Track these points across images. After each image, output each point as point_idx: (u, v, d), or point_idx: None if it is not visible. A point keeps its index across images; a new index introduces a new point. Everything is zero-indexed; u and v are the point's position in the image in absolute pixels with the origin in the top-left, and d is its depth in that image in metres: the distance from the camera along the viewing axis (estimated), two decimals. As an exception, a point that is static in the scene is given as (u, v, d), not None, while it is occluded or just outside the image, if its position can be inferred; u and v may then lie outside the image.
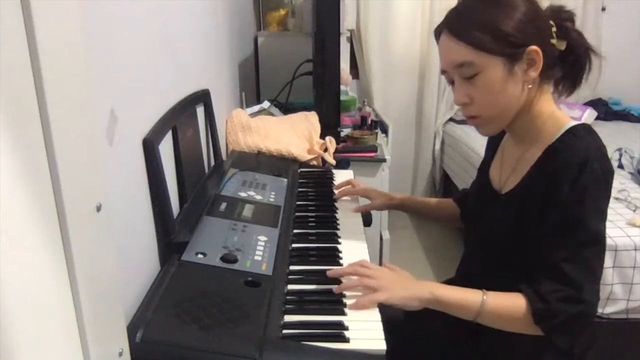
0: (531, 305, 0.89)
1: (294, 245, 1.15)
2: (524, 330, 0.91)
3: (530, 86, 0.95)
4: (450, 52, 0.95)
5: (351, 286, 0.95)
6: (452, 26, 0.95)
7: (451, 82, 1.00)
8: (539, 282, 0.90)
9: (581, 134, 0.93)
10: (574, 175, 0.88)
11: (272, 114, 2.03)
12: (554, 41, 0.94)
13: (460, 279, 1.22)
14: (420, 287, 0.95)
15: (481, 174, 1.17)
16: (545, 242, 0.91)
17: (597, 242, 0.90)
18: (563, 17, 0.96)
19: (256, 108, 2.08)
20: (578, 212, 0.89)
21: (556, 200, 0.90)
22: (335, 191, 1.47)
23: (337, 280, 0.99)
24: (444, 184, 3.39)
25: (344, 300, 0.94)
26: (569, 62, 0.97)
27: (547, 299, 0.88)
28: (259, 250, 1.04)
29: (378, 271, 0.98)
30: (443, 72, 1.00)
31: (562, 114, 0.99)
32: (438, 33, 0.99)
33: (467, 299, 0.93)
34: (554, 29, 0.94)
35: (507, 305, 0.92)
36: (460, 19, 0.95)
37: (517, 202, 0.98)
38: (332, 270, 1.00)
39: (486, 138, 1.19)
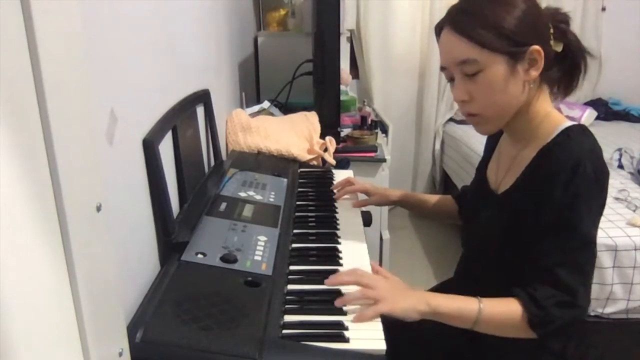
0: (527, 312, 0.89)
1: (294, 245, 1.15)
2: (519, 335, 0.92)
3: (531, 86, 0.95)
4: (452, 48, 0.95)
5: (353, 299, 0.92)
6: (455, 23, 0.94)
7: (450, 79, 1.00)
8: (534, 288, 0.90)
9: (575, 134, 0.93)
10: (567, 177, 0.88)
11: (272, 114, 2.03)
12: (552, 42, 0.95)
13: (458, 279, 1.22)
14: (418, 298, 0.93)
15: (478, 174, 1.18)
16: (539, 244, 0.91)
17: (589, 245, 0.91)
18: (559, 19, 0.96)
19: (256, 108, 2.08)
20: (570, 215, 0.89)
21: (549, 203, 0.90)
22: (335, 191, 1.47)
23: (336, 292, 0.95)
24: (444, 184, 3.39)
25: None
26: (565, 64, 0.98)
27: (543, 304, 0.88)
28: (259, 250, 1.04)
29: (376, 281, 0.95)
30: (442, 68, 1.00)
31: (558, 114, 0.99)
32: (439, 29, 0.98)
33: (464, 308, 0.93)
34: (551, 31, 0.94)
35: (503, 312, 0.92)
36: (463, 15, 0.94)
37: (512, 203, 0.98)
38: (330, 279, 0.96)
39: (485, 138, 1.19)
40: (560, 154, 0.91)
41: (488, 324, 0.92)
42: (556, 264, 0.89)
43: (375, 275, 1.00)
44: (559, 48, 0.95)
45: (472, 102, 0.96)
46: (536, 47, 0.91)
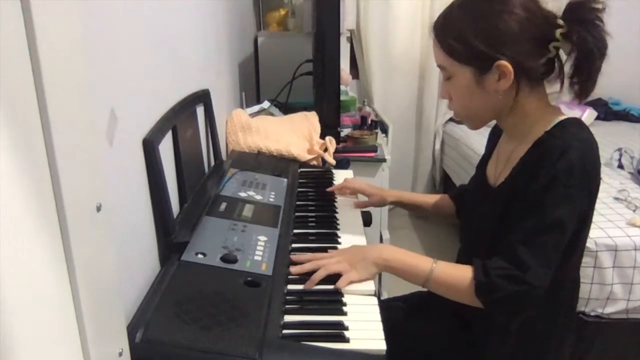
0: (475, 278, 0.92)
1: (294, 245, 1.15)
2: (467, 301, 0.95)
3: (501, 97, 0.96)
4: (434, 52, 1.02)
5: (319, 277, 0.98)
6: (435, 29, 1.00)
7: None
8: (490, 258, 0.92)
9: (569, 125, 0.94)
10: (551, 162, 0.89)
11: (272, 114, 2.03)
12: (556, 44, 0.92)
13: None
14: (374, 253, 1.02)
15: (479, 171, 1.18)
16: (509, 223, 0.93)
17: (557, 229, 0.90)
18: (556, 24, 0.92)
19: (256, 108, 2.08)
20: (542, 197, 0.89)
21: (530, 186, 0.91)
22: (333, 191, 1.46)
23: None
24: (444, 184, 3.39)
25: (344, 300, 0.94)
26: (576, 65, 0.93)
27: (490, 273, 0.91)
28: (259, 250, 1.04)
29: (331, 257, 1.03)
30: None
31: (556, 111, 0.99)
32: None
33: (417, 265, 0.99)
34: (560, 30, 0.91)
35: (454, 276, 0.96)
36: (441, 24, 0.99)
37: (505, 195, 0.98)
38: (294, 268, 1.02)
39: (486, 137, 1.20)
40: (552, 142, 0.92)
41: (438, 284, 0.97)
42: (518, 241, 0.90)
43: (331, 253, 1.07)
44: (566, 48, 0.93)
45: (452, 102, 1.04)
46: (503, 62, 0.91)
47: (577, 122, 0.95)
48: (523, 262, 0.89)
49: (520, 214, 0.92)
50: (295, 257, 1.06)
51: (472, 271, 0.94)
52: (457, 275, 0.96)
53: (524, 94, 0.96)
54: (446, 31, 0.97)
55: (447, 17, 0.98)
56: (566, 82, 0.95)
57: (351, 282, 0.98)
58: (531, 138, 0.96)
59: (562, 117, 0.96)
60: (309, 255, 1.06)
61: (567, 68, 0.94)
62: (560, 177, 0.88)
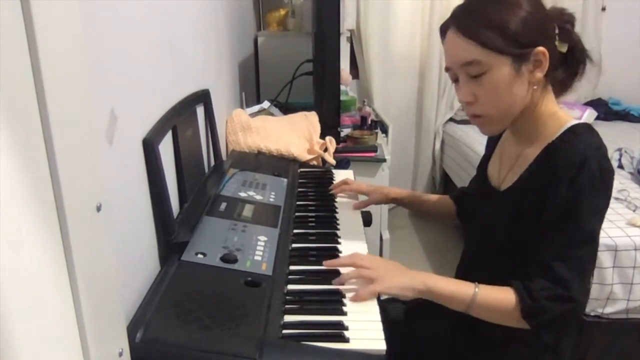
0: (520, 302, 0.90)
1: (294, 245, 1.15)
2: (511, 324, 0.93)
3: (535, 87, 0.95)
4: (457, 49, 0.95)
5: (349, 278, 0.97)
6: (460, 23, 0.94)
7: (455, 80, 1.00)
8: (530, 280, 0.91)
9: (581, 132, 0.93)
10: (572, 174, 0.88)
11: (272, 114, 2.03)
12: (557, 43, 0.94)
13: (460, 278, 1.22)
14: (415, 277, 0.97)
15: (480, 171, 1.18)
16: (539, 240, 0.92)
17: (590, 242, 0.90)
18: (565, 19, 0.96)
19: (256, 108, 2.08)
20: (572, 211, 0.89)
21: (553, 199, 0.90)
22: (333, 190, 1.47)
23: (335, 276, 0.99)
24: (443, 184, 3.39)
25: (344, 300, 0.94)
26: (569, 65, 0.97)
27: (536, 296, 0.89)
28: (259, 250, 1.04)
29: (373, 261, 1.00)
30: (447, 69, 1.00)
31: (563, 113, 0.99)
32: (444, 30, 0.98)
33: (459, 291, 0.95)
34: (556, 31, 0.94)
35: (497, 299, 0.93)
36: (468, 16, 0.94)
37: (515, 199, 0.98)
38: (329, 261, 1.02)
39: (486, 137, 1.19)
40: (567, 151, 0.91)
41: (482, 308, 0.93)
42: (554, 258, 0.89)
43: (373, 256, 1.04)
44: (563, 49, 0.95)
45: (477, 103, 0.96)
46: (541, 48, 0.91)
47: (587, 128, 0.95)
48: (565, 280, 0.88)
49: (547, 229, 0.91)
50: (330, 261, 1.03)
51: (514, 294, 0.91)
52: (502, 299, 0.92)
53: (538, 91, 0.96)
54: (477, 22, 0.92)
55: (471, 10, 0.95)
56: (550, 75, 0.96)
57: (375, 294, 0.94)
58: (540, 142, 0.96)
59: (571, 122, 0.96)
60: (350, 254, 1.04)
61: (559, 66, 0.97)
62: (585, 190, 0.88)
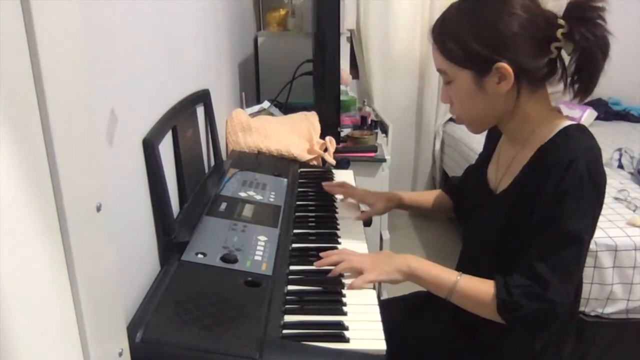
0: (497, 295, 0.92)
1: (294, 245, 1.15)
2: (487, 316, 0.95)
3: (502, 99, 0.95)
4: (433, 55, 1.01)
5: (342, 270, 1.02)
6: (434, 34, 0.99)
7: None
8: (510, 275, 0.92)
9: (573, 133, 0.93)
10: (560, 174, 0.88)
11: (272, 114, 2.03)
12: (557, 44, 0.91)
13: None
14: (400, 260, 1.02)
15: (478, 172, 1.17)
16: (526, 238, 0.92)
17: (575, 243, 0.89)
18: (556, 24, 0.91)
19: (256, 108, 2.07)
20: (557, 212, 0.89)
21: (540, 199, 0.90)
22: (327, 188, 1.43)
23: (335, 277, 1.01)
24: (443, 184, 3.39)
25: (344, 300, 0.94)
26: (578, 64, 0.93)
27: (512, 292, 0.90)
28: (259, 250, 1.04)
29: (360, 255, 1.07)
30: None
31: (557, 115, 0.98)
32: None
33: (441, 275, 0.99)
34: (561, 30, 0.91)
35: (477, 290, 0.95)
36: (440, 28, 0.98)
37: (510, 202, 0.98)
38: (319, 261, 1.05)
39: (484, 137, 1.20)
40: (557, 152, 0.91)
41: (461, 297, 0.97)
42: (537, 257, 0.90)
43: (359, 252, 1.09)
44: (568, 48, 0.92)
45: (453, 105, 1.03)
46: (503, 64, 0.91)
47: (580, 129, 0.94)
48: (543, 279, 0.88)
49: (534, 229, 0.91)
50: (324, 253, 1.08)
51: (493, 287, 0.93)
52: (480, 290, 0.94)
53: (525, 97, 0.95)
54: (444, 34, 0.96)
55: (445, 21, 0.98)
56: (568, 81, 0.94)
57: (368, 282, 0.99)
58: (534, 144, 0.96)
59: (564, 123, 0.95)
60: (337, 250, 1.10)
61: (570, 68, 0.93)
62: (571, 191, 0.87)
